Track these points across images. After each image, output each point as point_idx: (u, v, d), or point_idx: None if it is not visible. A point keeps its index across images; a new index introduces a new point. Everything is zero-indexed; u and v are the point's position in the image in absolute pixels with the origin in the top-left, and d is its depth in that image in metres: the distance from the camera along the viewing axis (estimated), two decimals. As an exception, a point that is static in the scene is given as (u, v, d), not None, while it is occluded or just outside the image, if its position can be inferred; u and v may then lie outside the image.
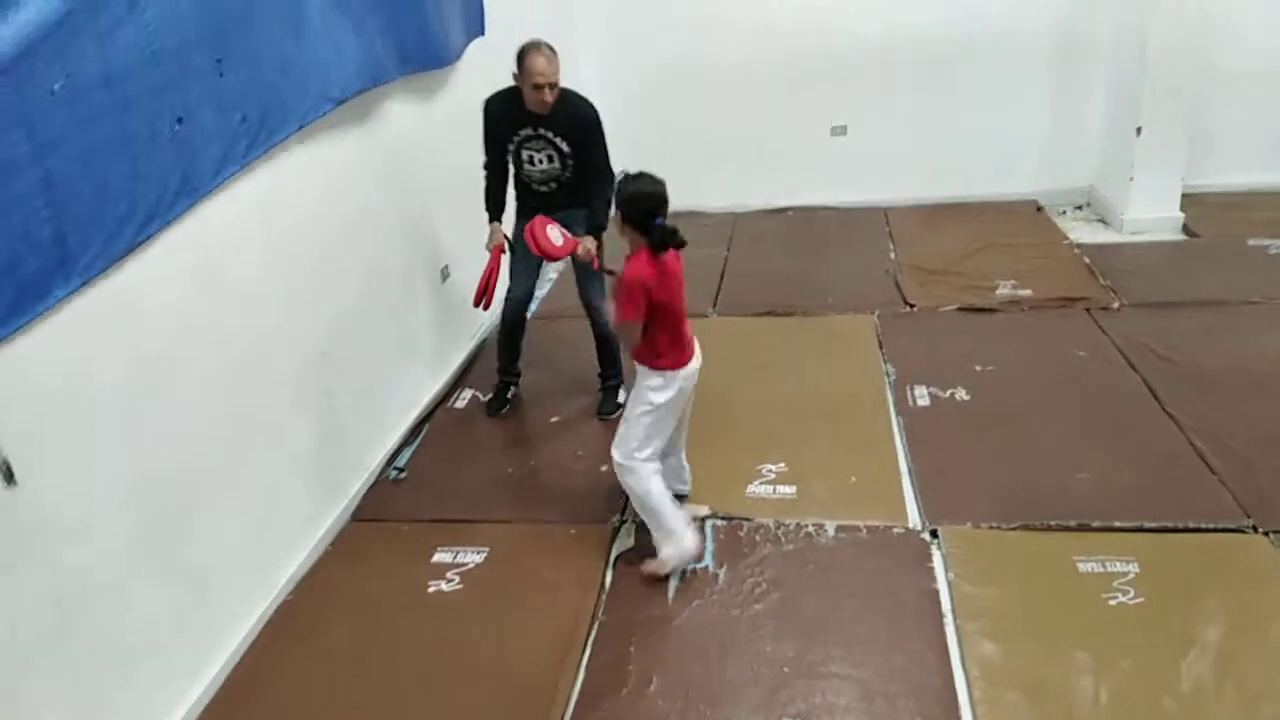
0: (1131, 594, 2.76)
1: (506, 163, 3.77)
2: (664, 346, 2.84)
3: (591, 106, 3.62)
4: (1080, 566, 2.88)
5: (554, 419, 4.02)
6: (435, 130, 4.25)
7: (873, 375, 4.18)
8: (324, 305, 3.30)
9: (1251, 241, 5.29)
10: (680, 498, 3.19)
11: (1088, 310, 4.63)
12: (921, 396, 3.95)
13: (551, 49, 3.45)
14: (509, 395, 4.17)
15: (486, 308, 3.78)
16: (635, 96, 6.30)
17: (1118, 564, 2.87)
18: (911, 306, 4.86)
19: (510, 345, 4.13)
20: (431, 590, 2.99)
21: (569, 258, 3.44)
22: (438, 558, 3.14)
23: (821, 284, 5.24)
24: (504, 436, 3.93)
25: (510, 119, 3.60)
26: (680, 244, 2.75)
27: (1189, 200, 5.68)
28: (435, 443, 3.91)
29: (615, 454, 2.95)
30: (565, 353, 4.64)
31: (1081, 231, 5.82)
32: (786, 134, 6.35)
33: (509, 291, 4.00)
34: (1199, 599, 2.72)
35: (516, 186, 3.85)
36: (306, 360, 3.19)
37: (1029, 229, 5.88)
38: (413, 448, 3.86)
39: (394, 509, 3.47)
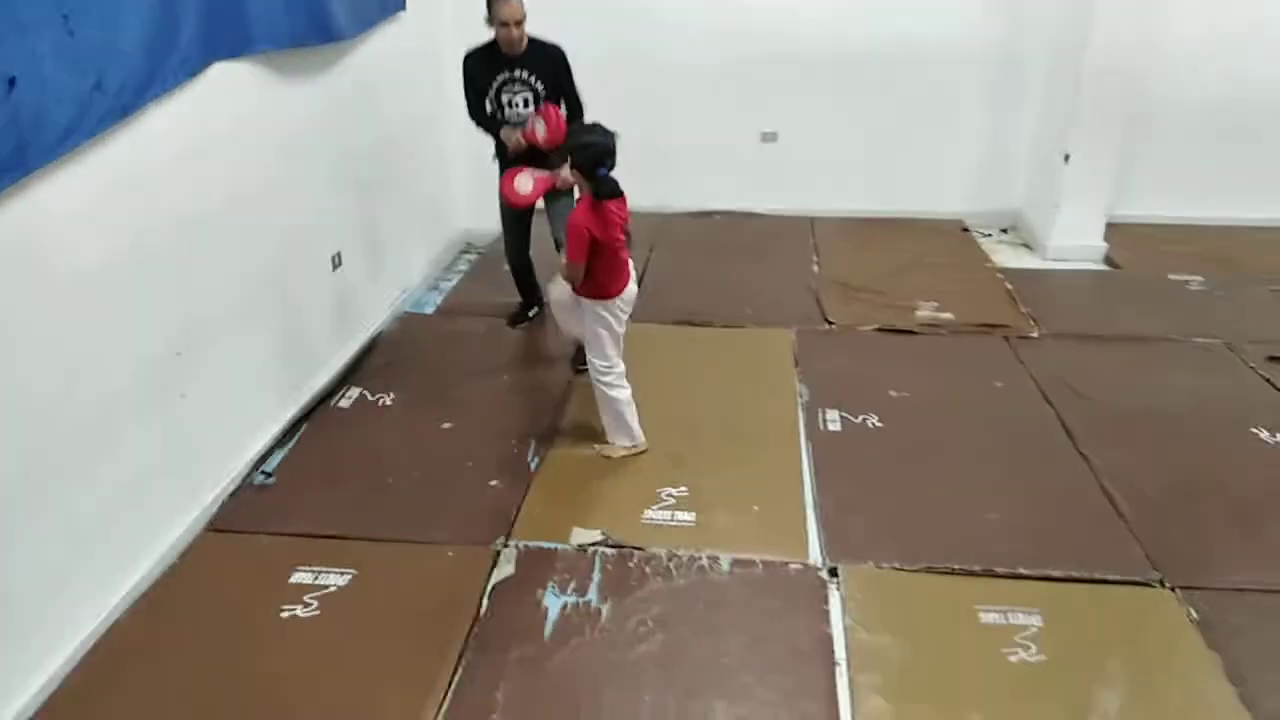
0: (1033, 649, 2.61)
1: (488, 109, 4.06)
2: (604, 279, 3.23)
3: (558, 47, 4.00)
4: (982, 616, 2.73)
5: (446, 425, 3.74)
6: (331, 108, 3.93)
7: (786, 395, 4.00)
8: (181, 296, 2.98)
9: (1172, 276, 5.26)
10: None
11: (1007, 339, 4.52)
12: (833, 421, 3.78)
13: None
14: (529, 314, 4.66)
15: (521, 202, 3.97)
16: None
17: (1020, 615, 2.73)
18: (830, 324, 4.70)
19: (523, 285, 4.61)
20: (285, 616, 2.71)
21: (543, 198, 3.93)
22: (296, 578, 2.86)
23: (741, 294, 5.06)
24: (388, 441, 3.64)
25: (487, 66, 3.98)
26: (616, 194, 3.10)
27: (1112, 230, 5.65)
28: (311, 446, 3.61)
29: (593, 361, 3.42)
30: (463, 354, 4.37)
31: (1005, 255, 5.75)
32: (717, 136, 6.15)
33: (505, 241, 4.47)
34: (1102, 658, 2.59)
35: (498, 146, 4.13)
36: (156, 360, 2.86)
37: (953, 250, 5.78)
38: (285, 450, 3.55)
39: (255, 519, 3.16)
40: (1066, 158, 5.43)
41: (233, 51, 3.15)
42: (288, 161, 3.60)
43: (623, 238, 3.21)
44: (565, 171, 3.68)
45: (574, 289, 3.32)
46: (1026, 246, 5.91)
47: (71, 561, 2.51)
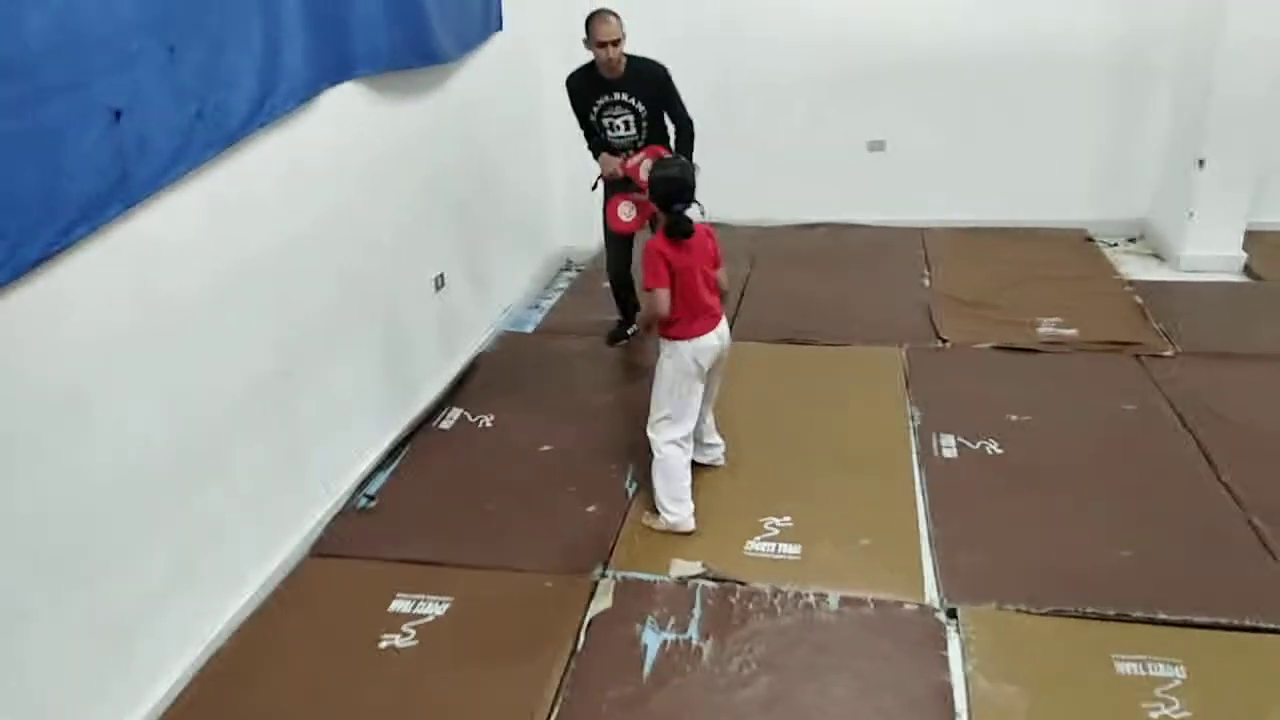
0: (1176, 706, 2.38)
1: (594, 130, 4.07)
2: (675, 316, 3.01)
3: (659, 64, 3.94)
4: (1118, 667, 2.51)
5: (545, 448, 3.70)
6: (430, 128, 3.94)
7: (896, 418, 3.81)
8: (286, 318, 3.00)
9: (1319, 288, 4.85)
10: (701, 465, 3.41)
11: (1138, 357, 4.22)
12: (948, 446, 3.58)
13: (614, 13, 3.79)
14: (629, 332, 4.59)
15: (623, 229, 3.95)
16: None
17: (1161, 666, 2.50)
18: (944, 342, 4.48)
19: (623, 302, 4.56)
20: (384, 646, 2.68)
21: (649, 223, 3.76)
22: (395, 606, 2.84)
23: (848, 310, 4.88)
24: (488, 464, 3.61)
25: (588, 89, 3.95)
26: (686, 234, 2.96)
27: (1251, 239, 5.25)
28: (413, 468, 3.61)
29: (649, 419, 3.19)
30: (562, 374, 4.33)
31: (1133, 266, 5.40)
32: (821, 146, 5.97)
33: (606, 258, 4.43)
34: (1254, 718, 2.35)
35: (599, 151, 4.12)
36: (262, 380, 2.89)
37: (1076, 261, 5.47)
38: (388, 473, 3.56)
39: (358, 544, 3.16)
40: (1201, 163, 5.07)
41: (337, 77, 3.17)
42: (389, 183, 3.62)
43: (701, 273, 3.01)
44: None
45: (647, 327, 3.18)
46: (1157, 257, 5.55)
47: (176, 587, 2.54)
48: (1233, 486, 3.24)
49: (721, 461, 3.46)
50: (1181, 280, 5.13)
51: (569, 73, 4.02)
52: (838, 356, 4.41)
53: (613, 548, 3.07)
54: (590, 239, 5.83)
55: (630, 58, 3.85)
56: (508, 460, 3.63)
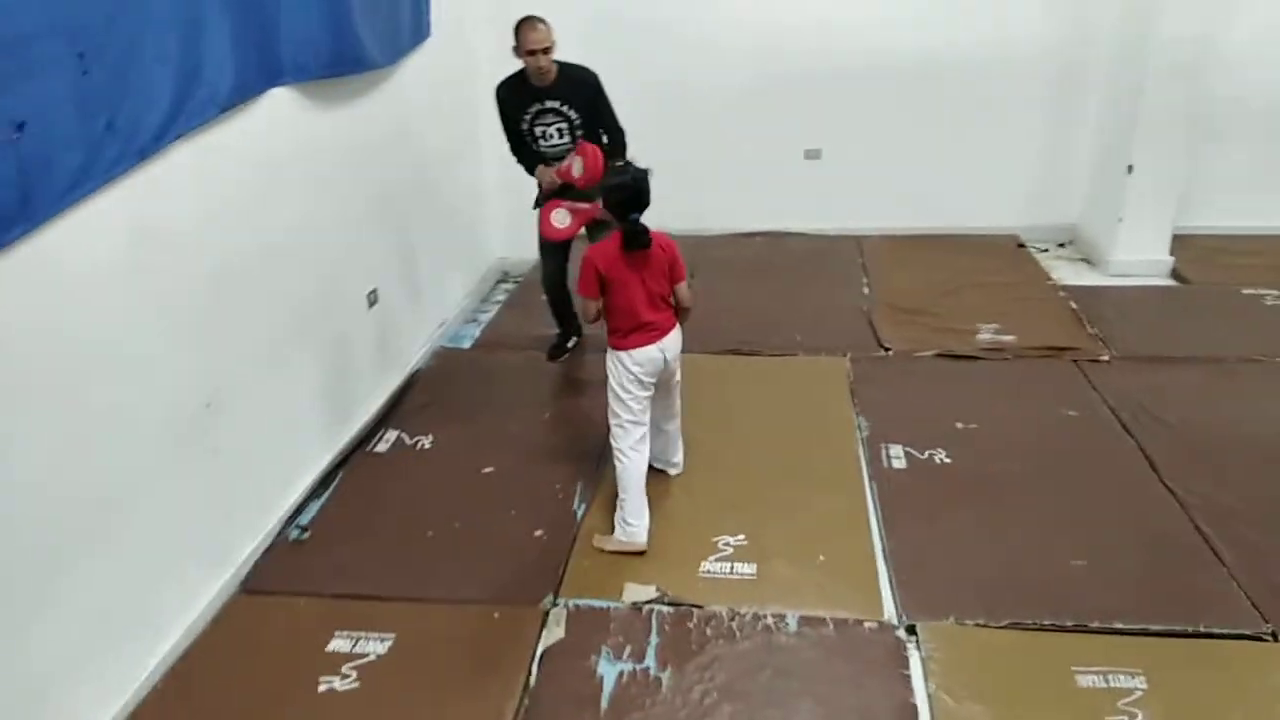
0: (1140, 718, 2.36)
1: (525, 140, 3.92)
2: (614, 325, 2.99)
3: (590, 70, 3.84)
4: (1080, 680, 2.48)
5: (487, 469, 3.56)
6: (363, 140, 3.79)
7: (844, 429, 3.77)
8: (212, 344, 2.82)
9: (1246, 290, 4.97)
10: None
11: (1075, 362, 4.26)
12: (897, 457, 3.55)
13: (543, 20, 3.65)
14: (569, 345, 4.49)
15: (557, 236, 3.60)
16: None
17: (1121, 678, 2.48)
18: (886, 350, 4.47)
19: (561, 315, 4.45)
20: (323, 689, 2.52)
21: (585, 229, 3.60)
22: (334, 645, 2.67)
23: (790, 320, 4.84)
24: (427, 488, 3.46)
25: (519, 98, 3.82)
26: (641, 244, 2.87)
27: (1178, 242, 5.36)
28: (348, 495, 3.44)
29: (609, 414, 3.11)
30: (502, 391, 4.20)
31: (1064, 271, 5.48)
32: (758, 155, 5.93)
33: (542, 270, 4.31)
34: (1216, 727, 2.34)
35: (534, 165, 3.95)
36: (185, 412, 2.71)
37: (1010, 267, 5.52)
38: (321, 500, 3.39)
39: (291, 579, 2.99)
40: (1130, 169, 5.16)
41: (261, 85, 3.00)
42: (319, 196, 3.45)
43: (646, 288, 2.93)
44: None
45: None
46: (1087, 262, 5.64)
47: (95, 638, 2.35)
48: (1177, 491, 3.27)
49: (678, 468, 3.47)
50: (1112, 285, 5.21)
51: (497, 83, 3.89)
52: (782, 367, 4.36)
53: (563, 574, 2.96)
54: (526, 250, 5.71)
55: (561, 64, 3.76)
56: (448, 484, 3.48)
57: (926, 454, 3.56)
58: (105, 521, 2.38)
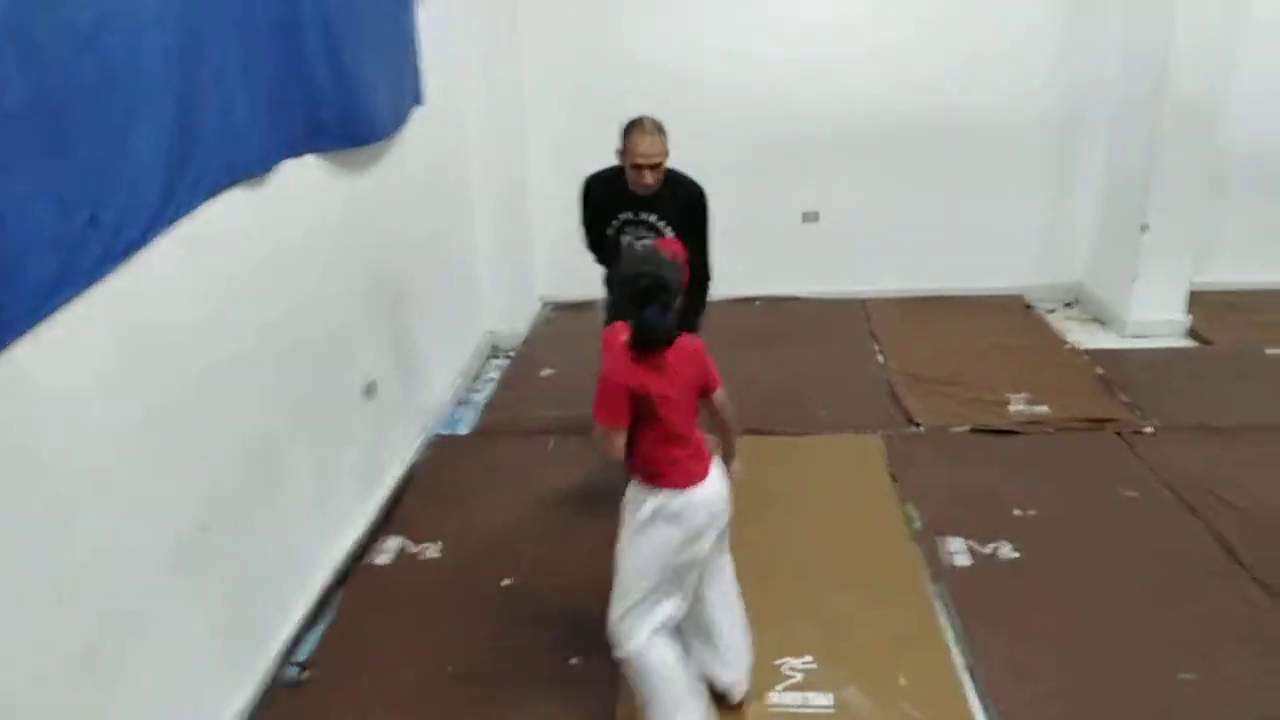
0: None
1: (605, 240, 3.38)
2: (647, 458, 2.30)
3: (700, 189, 3.30)
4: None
5: (507, 581, 3.17)
6: (361, 215, 3.43)
7: (893, 521, 3.46)
8: (205, 462, 2.43)
9: (1270, 351, 4.81)
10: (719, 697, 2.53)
11: (1119, 434, 4.02)
12: (959, 552, 3.24)
13: (658, 125, 3.13)
14: None
15: None
16: (581, 161, 5.52)
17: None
18: (917, 426, 4.19)
19: None
20: None
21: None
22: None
23: (808, 393, 4.55)
24: (440, 608, 3.06)
25: (611, 201, 3.30)
26: (654, 345, 2.24)
27: (1192, 300, 5.21)
28: (350, 621, 3.02)
29: (613, 597, 2.36)
30: (512, 484, 3.81)
31: (1078, 333, 5.29)
32: (753, 218, 5.65)
33: None
34: None
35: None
36: (180, 539, 2.30)
37: (1022, 330, 5.32)
38: (320, 630, 2.96)
39: (291, 732, 2.56)
40: (1144, 228, 5.00)
41: (270, 159, 2.66)
42: (319, 281, 3.09)
43: (683, 403, 2.29)
44: None
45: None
46: (1099, 322, 5.46)
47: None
48: (1267, 582, 3.00)
49: (739, 691, 2.57)
50: (1132, 348, 5.02)
51: (590, 175, 3.39)
52: (809, 447, 4.05)
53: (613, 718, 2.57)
54: (517, 322, 5.40)
55: (669, 172, 3.22)
56: (464, 602, 3.08)
57: (990, 548, 3.26)
58: (88, 686, 1.96)
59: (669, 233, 3.23)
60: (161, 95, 2.11)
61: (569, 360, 5.00)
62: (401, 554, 3.34)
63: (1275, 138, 5.38)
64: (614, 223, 3.31)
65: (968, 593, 3.03)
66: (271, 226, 2.75)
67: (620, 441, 2.27)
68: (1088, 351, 4.95)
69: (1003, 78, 5.44)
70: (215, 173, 2.38)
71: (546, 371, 4.89)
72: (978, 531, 3.34)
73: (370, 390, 3.51)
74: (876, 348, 5.08)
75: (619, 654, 2.37)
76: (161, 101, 2.10)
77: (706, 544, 2.33)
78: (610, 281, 2.43)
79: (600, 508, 3.58)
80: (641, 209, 3.25)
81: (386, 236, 3.67)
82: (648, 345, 2.23)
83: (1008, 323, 5.42)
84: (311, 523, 3.07)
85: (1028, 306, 5.66)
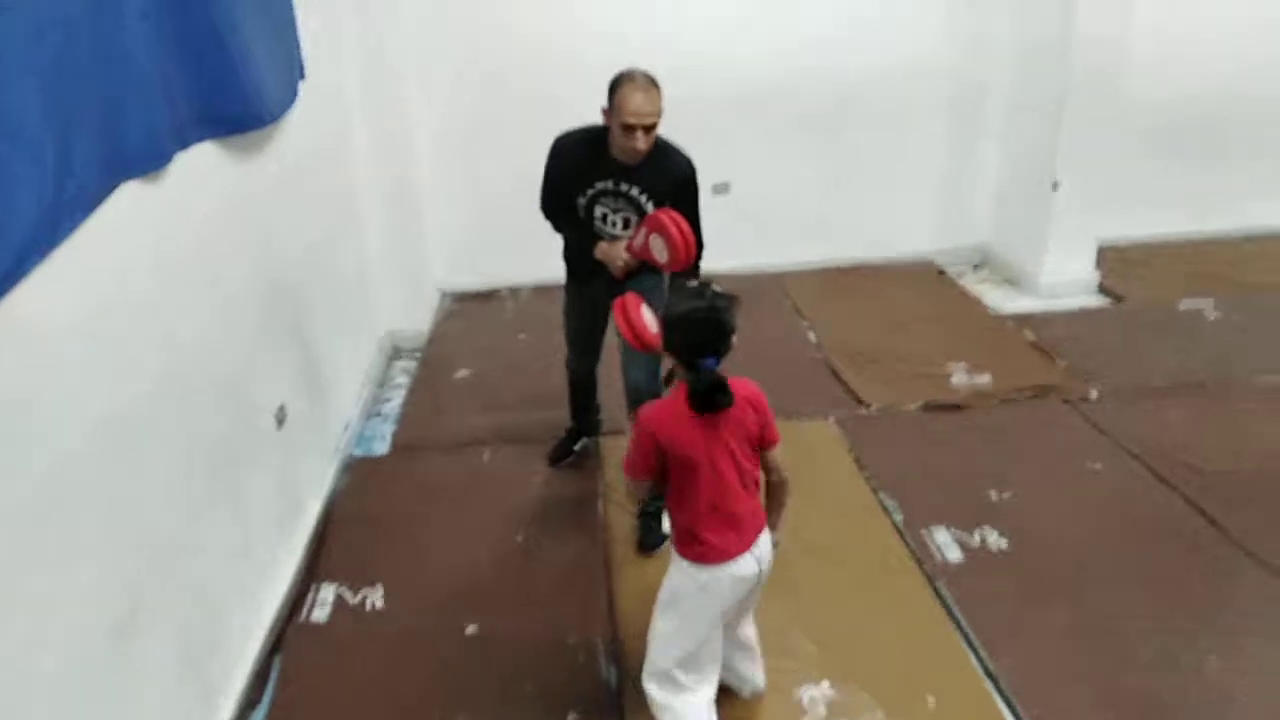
0: None
1: (580, 219, 2.99)
2: (685, 523, 2.11)
3: (691, 165, 2.89)
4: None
5: (470, 628, 2.78)
6: (252, 212, 2.90)
7: (869, 510, 3.28)
8: (113, 543, 1.94)
9: (1184, 305, 4.89)
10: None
11: (1067, 402, 3.97)
12: (948, 545, 3.08)
13: (652, 80, 2.72)
14: (576, 446, 3.62)
15: (650, 345, 2.38)
16: (471, 145, 5.16)
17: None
18: (867, 406, 4.02)
19: (578, 403, 3.56)
20: None
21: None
22: None
23: (746, 375, 4.29)
24: (399, 670, 2.65)
25: (587, 166, 2.86)
26: (715, 407, 2.00)
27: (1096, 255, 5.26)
28: (292, 697, 2.56)
29: (650, 653, 2.22)
30: (448, 508, 3.41)
31: (995, 296, 5.26)
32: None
33: (572, 361, 3.41)
34: None
35: (573, 242, 3.11)
36: (98, 636, 1.82)
37: (941, 296, 5.25)
38: (262, 710, 2.51)
39: None
40: (1055, 185, 4.99)
41: (147, 163, 2.14)
42: (216, 296, 2.58)
43: (735, 463, 2.06)
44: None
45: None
46: (1010, 283, 5.45)
47: None
48: (1258, 553, 2.96)
49: (755, 688, 2.45)
50: (1051, 309, 4.99)
51: (561, 134, 2.95)
52: (763, 439, 3.80)
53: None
54: (418, 318, 4.93)
55: (658, 141, 2.80)
56: (426, 661, 2.67)
57: (977, 537, 3.11)
58: None
59: (650, 207, 2.85)
60: (32, 103, 1.60)
61: (483, 358, 4.58)
62: (340, 605, 2.89)
63: (1171, 85, 5.43)
64: (588, 192, 2.90)
65: (968, 590, 2.86)
66: (161, 232, 2.24)
67: (642, 492, 2.13)
68: (1011, 316, 4.91)
69: (900, 39, 5.28)
70: (100, 174, 1.88)
71: (461, 373, 4.46)
72: (960, 519, 3.19)
73: (281, 415, 3.03)
74: (805, 324, 4.89)
75: (658, 712, 2.22)
76: (30, 109, 1.60)
77: (739, 602, 2.16)
78: (668, 322, 2.07)
79: (561, 525, 3.29)
80: (623, 179, 2.84)
81: (277, 234, 3.14)
82: (706, 408, 1.98)
83: (924, 289, 5.34)
84: (234, 585, 2.59)
85: (940, 272, 5.60)
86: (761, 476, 2.18)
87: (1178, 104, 5.51)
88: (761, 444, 2.13)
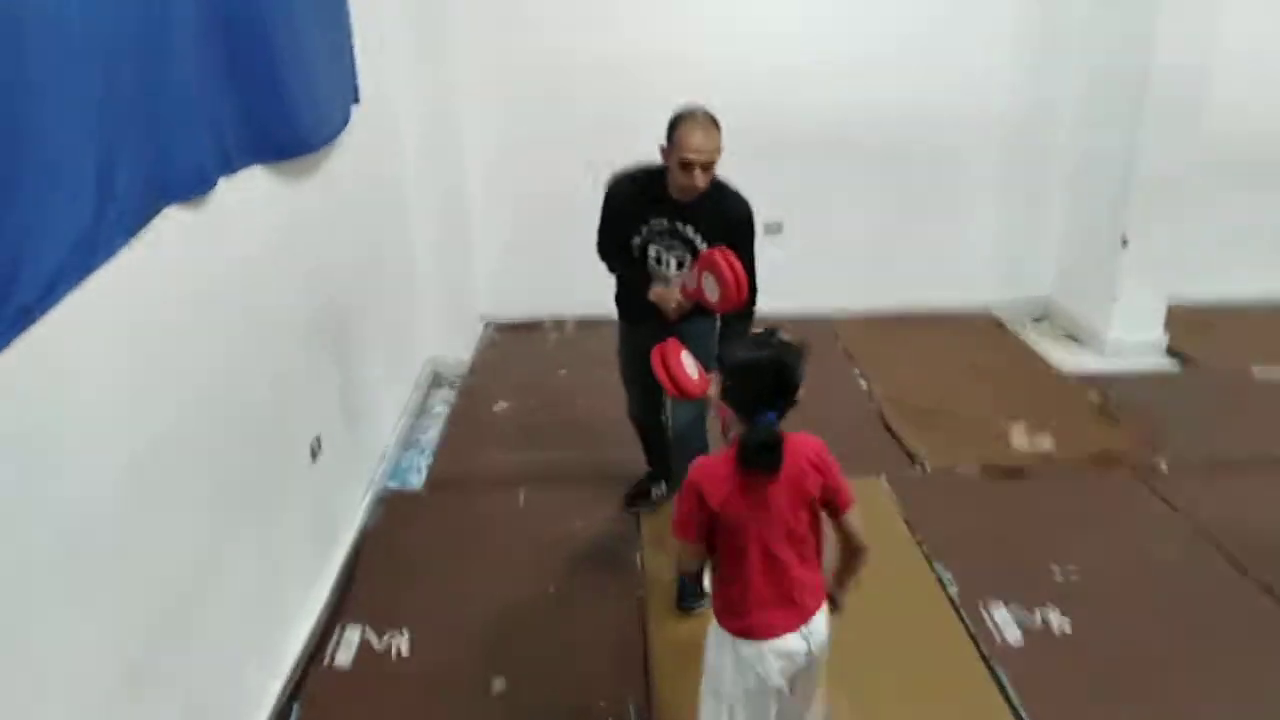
0: None
1: (633, 260, 2.93)
2: (726, 592, 1.96)
3: (749, 208, 2.83)
4: None
5: (498, 683, 2.65)
6: (290, 241, 2.80)
7: (925, 585, 3.10)
8: (133, 576, 1.84)
9: (1258, 372, 4.66)
10: None
11: (1134, 470, 3.76)
12: (1006, 624, 2.89)
13: (712, 119, 2.68)
14: (654, 493, 3.48)
15: (696, 391, 2.45)
16: (521, 172, 5.11)
17: None
18: (922, 466, 3.84)
19: (653, 448, 3.42)
20: None
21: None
22: None
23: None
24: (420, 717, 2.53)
25: (643, 204, 2.82)
26: (764, 467, 1.85)
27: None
28: (313, 748, 2.45)
29: None
30: (481, 550, 3.29)
31: (1055, 352, 5.05)
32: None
33: (632, 408, 3.33)
34: None
35: (626, 282, 3.04)
36: (103, 696, 1.72)
37: (1001, 349, 5.07)
38: (276, 765, 2.39)
39: None
40: (1125, 242, 4.79)
41: (188, 188, 2.05)
42: (255, 326, 2.49)
43: (787, 529, 1.90)
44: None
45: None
46: (1072, 339, 5.25)
47: None
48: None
49: None
50: (1117, 370, 4.78)
51: (617, 172, 2.90)
52: (810, 494, 3.64)
53: None
54: (460, 346, 4.84)
55: (716, 181, 2.74)
56: (450, 715, 2.55)
57: (1039, 616, 2.92)
58: None
59: (704, 248, 2.78)
60: (74, 123, 1.52)
61: (523, 391, 4.48)
62: (364, 649, 2.78)
63: (1250, 135, 5.21)
64: (643, 230, 2.86)
65: (1028, 677, 2.67)
66: (202, 259, 2.16)
67: (691, 556, 1.96)
68: (1074, 375, 4.70)
69: (968, 88, 5.17)
70: (142, 198, 1.80)
71: (500, 405, 4.36)
72: (1020, 595, 3.00)
73: (316, 448, 2.93)
74: (857, 373, 4.72)
75: None
76: (73, 129, 1.52)
77: (792, 684, 1.96)
78: (726, 370, 1.95)
79: (598, 574, 3.15)
80: (679, 218, 2.80)
81: (324, 259, 3.07)
82: (753, 465, 1.82)
83: (983, 341, 5.16)
84: (258, 626, 2.49)
85: (999, 324, 5.41)
86: (832, 538, 2.01)
87: (1255, 144, 5.26)
88: (830, 508, 1.96)
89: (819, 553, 1.98)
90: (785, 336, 1.94)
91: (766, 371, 1.88)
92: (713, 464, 1.93)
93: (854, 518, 1.98)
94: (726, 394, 1.93)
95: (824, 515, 1.97)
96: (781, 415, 1.89)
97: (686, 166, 2.63)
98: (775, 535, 1.89)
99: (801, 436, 1.93)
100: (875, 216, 5.42)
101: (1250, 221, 5.41)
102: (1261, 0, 5.02)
